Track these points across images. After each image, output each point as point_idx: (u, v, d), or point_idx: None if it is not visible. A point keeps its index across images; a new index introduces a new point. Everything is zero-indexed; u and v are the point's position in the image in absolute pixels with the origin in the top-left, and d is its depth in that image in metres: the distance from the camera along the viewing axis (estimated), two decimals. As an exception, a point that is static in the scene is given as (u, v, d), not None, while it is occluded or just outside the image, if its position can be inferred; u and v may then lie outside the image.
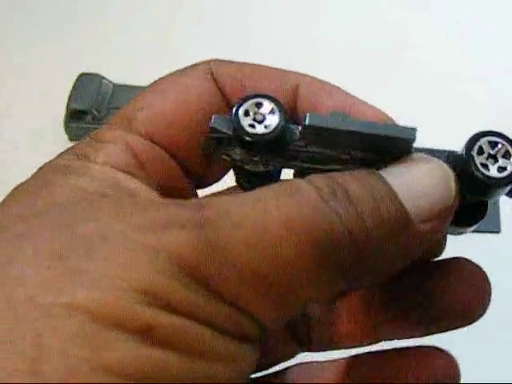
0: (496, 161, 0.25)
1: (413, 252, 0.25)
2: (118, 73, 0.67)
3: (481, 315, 0.29)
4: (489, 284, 0.29)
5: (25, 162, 0.60)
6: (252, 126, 0.25)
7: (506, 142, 0.25)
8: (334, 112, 0.26)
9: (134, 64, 0.69)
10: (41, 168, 0.25)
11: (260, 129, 0.25)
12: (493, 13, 0.74)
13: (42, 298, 0.18)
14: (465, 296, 0.29)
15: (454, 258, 0.29)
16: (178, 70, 0.28)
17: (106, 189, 0.23)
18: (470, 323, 0.29)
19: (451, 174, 0.24)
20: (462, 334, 0.51)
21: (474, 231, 0.57)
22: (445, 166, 0.24)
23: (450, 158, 0.26)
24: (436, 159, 0.25)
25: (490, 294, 0.29)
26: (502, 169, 0.25)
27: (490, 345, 0.53)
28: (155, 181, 0.26)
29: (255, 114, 0.25)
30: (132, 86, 0.66)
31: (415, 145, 0.25)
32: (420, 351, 0.30)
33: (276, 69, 0.29)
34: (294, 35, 0.72)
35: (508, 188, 0.26)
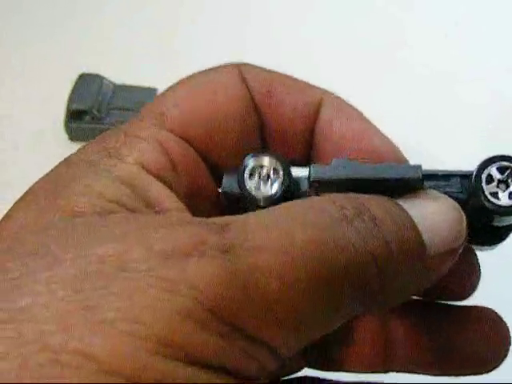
0: (507, 186, 0.25)
1: (422, 283, 0.24)
2: (118, 73, 0.67)
3: (495, 367, 0.29)
4: (508, 338, 0.29)
5: (25, 163, 0.61)
6: (258, 188, 0.25)
7: None
8: (335, 161, 0.25)
9: (134, 64, 0.69)
10: (66, 159, 0.24)
11: (265, 190, 0.25)
12: (491, 13, 0.74)
13: (51, 338, 0.17)
14: (482, 348, 0.28)
15: (479, 307, 0.29)
16: (208, 69, 0.28)
17: (126, 197, 0.22)
18: (482, 373, 0.29)
19: (463, 217, 0.24)
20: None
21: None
22: (457, 207, 0.24)
23: (462, 184, 0.25)
24: (449, 199, 0.25)
25: (508, 348, 0.29)
26: None
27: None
28: (185, 182, 0.25)
29: (260, 174, 0.25)
30: (132, 86, 0.66)
31: (427, 167, 0.25)
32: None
33: (302, 82, 0.29)
34: (294, 35, 0.72)
35: None
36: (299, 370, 0.30)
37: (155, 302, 0.18)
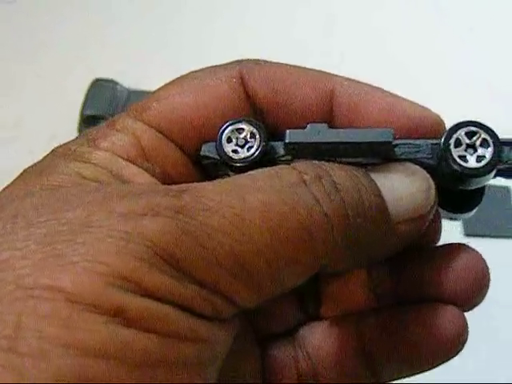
0: (475, 150, 0.26)
1: (390, 247, 0.26)
2: (132, 78, 0.67)
3: (480, 300, 0.28)
4: (485, 268, 0.28)
5: (39, 167, 0.61)
6: (235, 151, 0.26)
7: (483, 130, 0.26)
8: (311, 125, 0.26)
9: (148, 70, 0.70)
10: (52, 150, 0.27)
11: (243, 153, 0.26)
12: (506, 19, 0.73)
13: (26, 279, 0.20)
14: (461, 280, 0.28)
15: (452, 244, 0.29)
16: (208, 68, 0.29)
17: (102, 176, 0.25)
18: (471, 307, 0.29)
19: (432, 186, 0.26)
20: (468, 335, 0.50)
21: (487, 236, 0.56)
22: (427, 177, 0.26)
23: (432, 149, 0.26)
24: (419, 169, 0.26)
25: (488, 278, 0.28)
26: (480, 157, 0.26)
27: (491, 345, 0.53)
28: (160, 171, 0.27)
29: (237, 139, 0.27)
30: (146, 92, 0.66)
31: (399, 141, 0.26)
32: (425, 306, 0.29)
33: (310, 71, 0.29)
34: (292, 35, 0.72)
35: (492, 174, 0.26)
36: (297, 322, 0.31)
37: (113, 248, 0.20)
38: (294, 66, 0.29)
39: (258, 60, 0.29)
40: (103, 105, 0.64)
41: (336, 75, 0.29)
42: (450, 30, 0.73)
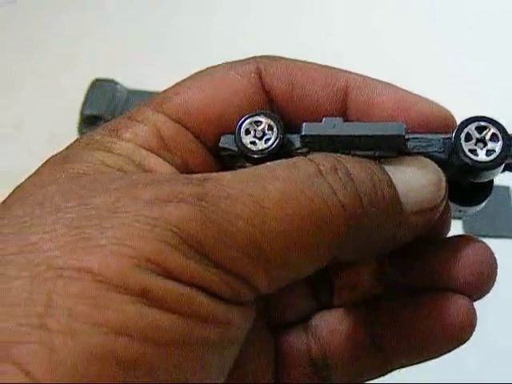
0: (485, 145, 0.27)
1: (402, 237, 0.27)
2: (132, 78, 0.67)
3: (489, 289, 0.29)
4: (492, 257, 0.29)
5: (39, 168, 0.61)
6: (253, 142, 0.27)
7: (493, 125, 0.27)
8: (327, 119, 0.27)
9: (148, 70, 0.70)
10: (76, 140, 0.27)
11: (261, 145, 0.27)
12: (506, 18, 0.74)
13: (56, 261, 0.21)
14: (469, 270, 0.29)
15: (460, 236, 0.30)
16: (226, 63, 0.30)
17: (125, 164, 0.26)
18: (480, 296, 0.29)
19: (443, 178, 0.27)
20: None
21: (488, 236, 0.56)
22: (438, 170, 0.27)
23: (444, 144, 0.27)
24: (431, 162, 0.27)
25: (495, 268, 0.29)
26: (490, 151, 0.27)
27: (492, 344, 0.53)
28: (180, 161, 0.28)
29: (255, 131, 0.27)
30: (146, 92, 0.66)
31: (411, 135, 0.27)
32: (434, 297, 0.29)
33: (325, 68, 0.29)
34: (294, 36, 0.72)
35: (501, 168, 0.27)
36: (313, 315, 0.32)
37: (139, 232, 0.21)
38: (309, 62, 0.30)
39: (274, 56, 0.30)
40: (103, 105, 0.64)
41: (350, 71, 0.29)
42: (448, 30, 0.73)
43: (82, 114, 0.64)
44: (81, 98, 0.65)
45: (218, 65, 0.29)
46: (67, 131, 0.65)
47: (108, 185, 0.23)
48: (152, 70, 0.69)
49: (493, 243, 0.62)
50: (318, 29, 0.74)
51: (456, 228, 0.59)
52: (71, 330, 0.19)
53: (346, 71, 0.29)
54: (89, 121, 0.64)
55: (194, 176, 0.24)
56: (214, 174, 0.24)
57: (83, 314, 0.20)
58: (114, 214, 0.22)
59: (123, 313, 0.20)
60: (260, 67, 0.29)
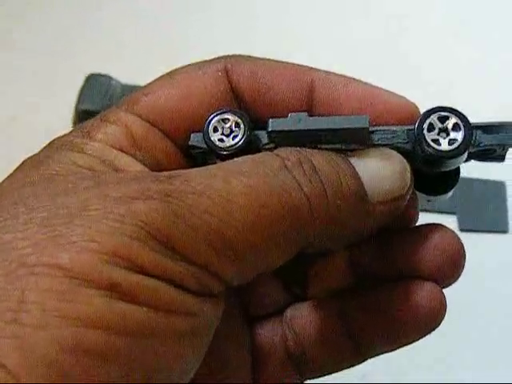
0: (447, 134, 0.27)
1: (369, 227, 0.28)
2: (126, 73, 0.67)
3: (456, 277, 0.30)
4: (460, 248, 0.30)
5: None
6: (221, 140, 0.28)
7: (455, 115, 0.27)
8: (292, 114, 0.28)
9: (142, 64, 0.69)
10: (49, 142, 0.28)
11: (228, 142, 0.28)
12: (499, 11, 0.74)
13: (28, 258, 0.21)
14: (437, 257, 0.29)
15: (428, 224, 0.30)
16: (194, 63, 0.30)
17: (96, 164, 0.27)
18: (449, 283, 0.30)
19: (407, 168, 0.28)
20: (465, 332, 0.51)
21: (482, 231, 0.56)
22: (403, 160, 0.28)
23: (408, 135, 0.28)
24: (395, 153, 0.28)
25: (463, 255, 0.30)
26: (452, 141, 0.27)
27: (492, 345, 0.53)
28: (151, 160, 0.29)
29: (223, 128, 0.28)
30: (140, 87, 0.66)
31: (376, 128, 0.28)
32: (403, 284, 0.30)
33: (291, 65, 0.30)
34: (294, 35, 0.72)
35: (464, 157, 0.28)
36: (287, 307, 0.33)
37: (108, 228, 0.22)
38: (276, 61, 0.30)
39: (242, 55, 0.31)
40: (98, 99, 0.64)
41: (315, 68, 0.30)
42: (441, 23, 0.73)
43: (76, 108, 0.64)
44: (76, 93, 0.65)
45: (187, 65, 0.30)
46: (63, 126, 0.64)
47: (79, 184, 0.24)
48: (147, 64, 0.69)
49: (487, 238, 0.63)
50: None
51: (451, 223, 0.59)
52: (43, 324, 0.20)
53: (311, 68, 0.30)
54: (83, 115, 0.64)
55: (162, 173, 0.25)
56: (181, 171, 0.25)
57: (54, 308, 0.21)
58: (84, 211, 0.23)
59: (92, 306, 0.21)
60: (227, 66, 0.30)
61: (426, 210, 0.60)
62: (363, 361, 0.31)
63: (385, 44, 0.71)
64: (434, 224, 0.30)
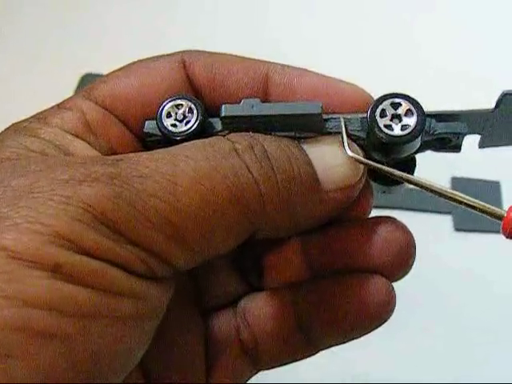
0: (400, 120, 0.27)
1: (320, 214, 0.28)
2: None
3: (405, 271, 0.30)
4: (409, 243, 0.29)
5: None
6: (174, 125, 0.28)
7: (408, 101, 0.27)
8: (245, 100, 0.28)
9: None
10: (6, 128, 0.29)
11: (181, 127, 0.28)
12: (501, 12, 0.74)
13: None
14: (386, 250, 0.29)
15: (379, 217, 0.30)
16: (154, 56, 0.31)
17: (48, 149, 0.27)
18: (398, 277, 0.30)
19: (361, 157, 0.28)
20: (462, 332, 0.51)
21: (477, 231, 0.56)
22: (356, 149, 0.28)
23: (362, 122, 0.28)
24: (349, 141, 0.28)
25: (412, 249, 0.29)
26: (405, 126, 0.27)
27: (491, 342, 0.53)
28: (106, 146, 0.29)
29: (176, 114, 0.28)
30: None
31: (330, 116, 0.28)
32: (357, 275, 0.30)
33: (247, 58, 0.30)
34: (295, 35, 0.72)
35: (417, 143, 0.27)
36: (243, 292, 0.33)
37: (53, 210, 0.22)
38: (231, 54, 0.31)
39: (199, 50, 0.31)
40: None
41: (271, 61, 0.30)
42: (444, 24, 0.73)
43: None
44: (71, 93, 0.64)
45: (147, 57, 0.31)
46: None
47: (28, 168, 0.24)
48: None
49: (483, 238, 0.63)
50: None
51: (446, 223, 0.59)
52: None
53: (266, 61, 0.30)
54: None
55: (110, 157, 0.25)
56: (129, 155, 0.25)
57: None
58: (31, 194, 0.22)
59: (36, 287, 0.21)
60: (184, 58, 0.30)
61: (423, 210, 0.60)
62: (316, 352, 0.31)
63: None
64: (384, 217, 0.30)
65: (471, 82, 0.67)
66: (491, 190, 0.62)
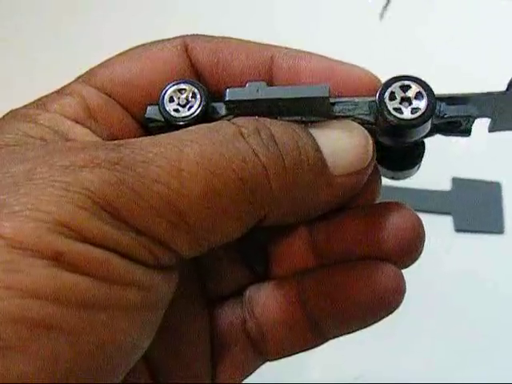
0: (410, 103, 0.26)
1: (328, 200, 0.27)
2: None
3: (414, 258, 0.29)
4: (419, 226, 0.29)
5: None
6: (177, 110, 0.27)
7: (418, 83, 0.26)
8: (250, 83, 0.27)
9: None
10: (5, 114, 0.28)
11: (184, 112, 0.27)
12: (500, 14, 0.74)
13: None
14: (395, 237, 0.29)
15: (387, 203, 0.30)
16: (155, 41, 0.30)
17: (47, 135, 0.26)
18: (407, 264, 0.29)
19: (369, 141, 0.27)
20: (462, 332, 0.51)
21: (477, 232, 0.56)
22: (365, 132, 0.27)
23: (370, 106, 0.27)
24: (357, 125, 0.27)
25: (422, 235, 0.29)
26: (415, 109, 0.26)
27: (491, 342, 0.53)
28: (107, 132, 0.28)
29: (179, 99, 0.27)
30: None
31: (338, 99, 0.27)
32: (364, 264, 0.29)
33: (251, 42, 0.30)
34: (298, 35, 0.72)
35: (427, 127, 0.27)
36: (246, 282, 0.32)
37: (53, 197, 0.21)
38: (236, 38, 0.30)
39: (202, 34, 0.30)
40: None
41: (275, 45, 0.29)
42: (442, 24, 0.73)
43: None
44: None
45: (148, 42, 0.30)
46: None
47: (27, 154, 0.23)
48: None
49: (483, 239, 0.63)
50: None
51: (446, 223, 0.59)
52: None
53: (270, 45, 0.29)
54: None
55: (112, 142, 0.24)
56: (132, 140, 0.24)
57: None
58: (30, 180, 0.22)
59: (36, 276, 0.20)
60: (186, 42, 0.29)
61: (423, 210, 0.60)
62: (324, 342, 0.31)
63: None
64: (392, 202, 0.29)
65: (472, 81, 0.67)
66: (491, 190, 0.61)
